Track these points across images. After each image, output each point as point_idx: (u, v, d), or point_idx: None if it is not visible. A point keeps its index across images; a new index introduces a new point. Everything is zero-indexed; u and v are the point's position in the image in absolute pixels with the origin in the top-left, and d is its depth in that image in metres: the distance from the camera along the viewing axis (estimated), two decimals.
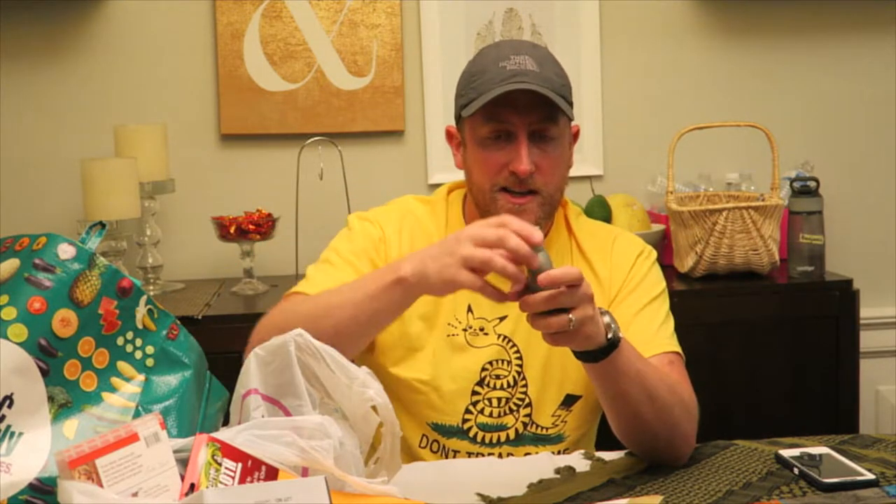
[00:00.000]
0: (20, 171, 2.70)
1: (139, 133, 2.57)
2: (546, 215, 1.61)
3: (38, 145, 2.71)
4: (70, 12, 2.69)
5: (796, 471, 1.42)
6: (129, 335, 1.27)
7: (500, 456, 1.64)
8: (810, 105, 2.91)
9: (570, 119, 1.62)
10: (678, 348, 1.62)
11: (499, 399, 1.65)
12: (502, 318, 1.64)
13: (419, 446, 1.66)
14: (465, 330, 1.65)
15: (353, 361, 1.26)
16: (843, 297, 2.51)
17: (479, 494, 1.38)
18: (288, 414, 1.20)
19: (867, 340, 2.68)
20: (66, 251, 1.24)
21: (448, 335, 1.64)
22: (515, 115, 1.56)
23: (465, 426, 1.64)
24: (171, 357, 1.30)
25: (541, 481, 1.43)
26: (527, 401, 1.65)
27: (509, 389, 1.65)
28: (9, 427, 1.15)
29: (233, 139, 2.76)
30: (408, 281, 1.36)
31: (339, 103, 2.76)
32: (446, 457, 1.65)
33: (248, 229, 2.54)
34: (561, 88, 1.58)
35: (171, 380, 1.29)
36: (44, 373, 1.18)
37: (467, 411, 1.64)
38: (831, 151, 2.91)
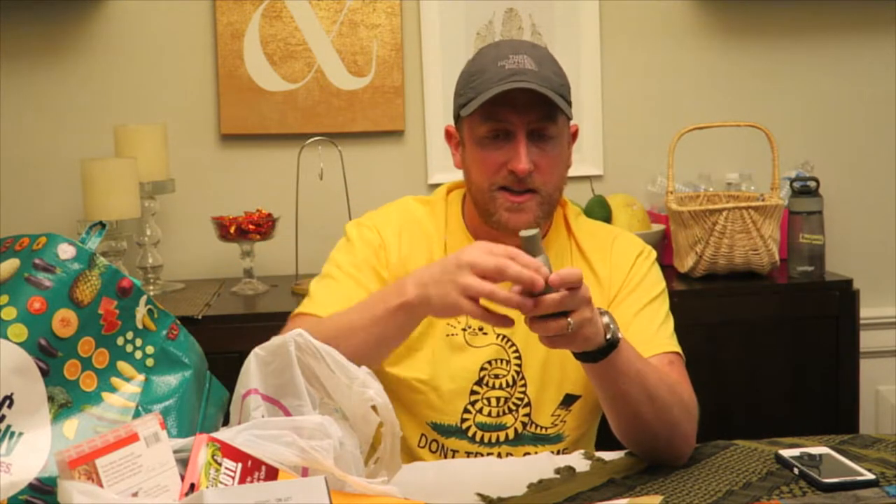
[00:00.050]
0: (20, 171, 2.70)
1: (139, 133, 2.57)
2: (545, 214, 1.61)
3: (38, 145, 2.71)
4: (70, 12, 2.69)
5: (796, 471, 1.42)
6: (129, 335, 1.27)
7: (499, 456, 1.64)
8: (810, 105, 2.91)
9: (569, 118, 1.62)
10: (678, 348, 1.62)
11: (498, 399, 1.65)
12: None
13: (418, 446, 1.66)
14: (464, 330, 1.65)
15: None
16: (843, 297, 2.51)
17: (479, 494, 1.38)
18: (288, 414, 1.20)
19: (867, 340, 2.67)
20: (66, 251, 1.24)
21: (447, 335, 1.64)
22: (514, 114, 1.56)
23: (464, 426, 1.65)
24: (171, 357, 1.30)
25: (541, 481, 1.43)
26: (526, 400, 1.65)
27: (508, 389, 1.65)
28: (9, 427, 1.15)
29: (233, 139, 2.76)
30: (412, 305, 1.38)
31: (339, 103, 2.76)
32: (445, 456, 1.65)
33: (248, 229, 2.54)
34: (560, 88, 1.58)
35: (171, 380, 1.29)
36: (44, 373, 1.18)
37: (466, 411, 1.64)
38: (831, 151, 2.91)
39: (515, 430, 1.65)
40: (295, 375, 1.21)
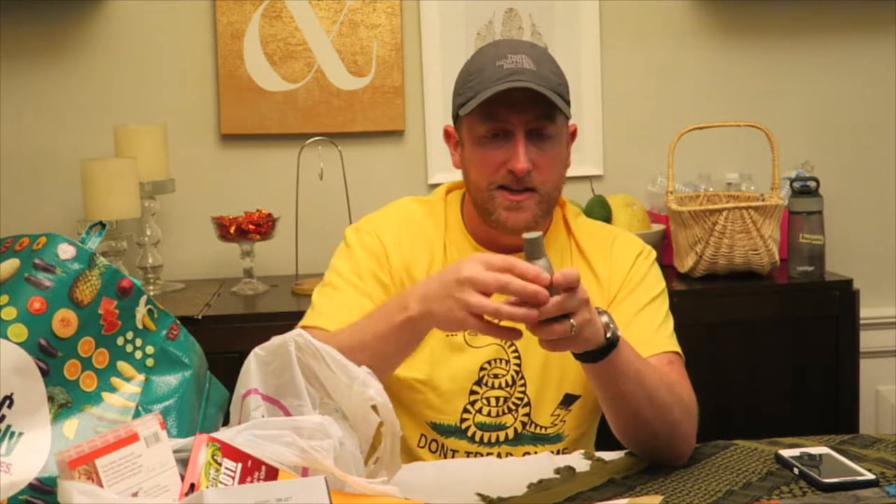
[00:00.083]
0: (20, 171, 2.70)
1: (139, 133, 2.57)
2: (544, 213, 1.61)
3: (38, 145, 2.71)
4: (70, 12, 2.69)
5: (796, 471, 1.42)
6: (129, 335, 1.27)
7: (499, 455, 1.64)
8: (810, 105, 2.91)
9: (568, 118, 1.62)
10: (678, 348, 1.62)
11: (497, 398, 1.65)
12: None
13: (418, 446, 1.66)
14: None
15: None
16: (843, 297, 2.51)
17: (479, 494, 1.38)
18: (288, 414, 1.20)
19: (867, 340, 2.67)
20: (66, 251, 1.24)
21: (446, 335, 1.64)
22: (512, 113, 1.56)
23: (464, 426, 1.64)
24: (171, 357, 1.30)
25: (541, 481, 1.43)
26: (525, 400, 1.65)
27: (508, 389, 1.65)
28: (9, 427, 1.15)
29: (233, 139, 2.76)
30: (415, 320, 1.38)
31: (339, 103, 2.76)
32: (445, 456, 1.65)
33: (248, 229, 2.54)
34: (558, 87, 1.58)
35: (171, 380, 1.29)
36: (44, 373, 1.18)
37: (465, 411, 1.64)
38: (831, 151, 2.91)
39: (515, 429, 1.65)
40: (295, 375, 1.21)
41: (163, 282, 2.63)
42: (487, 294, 1.31)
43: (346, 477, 1.13)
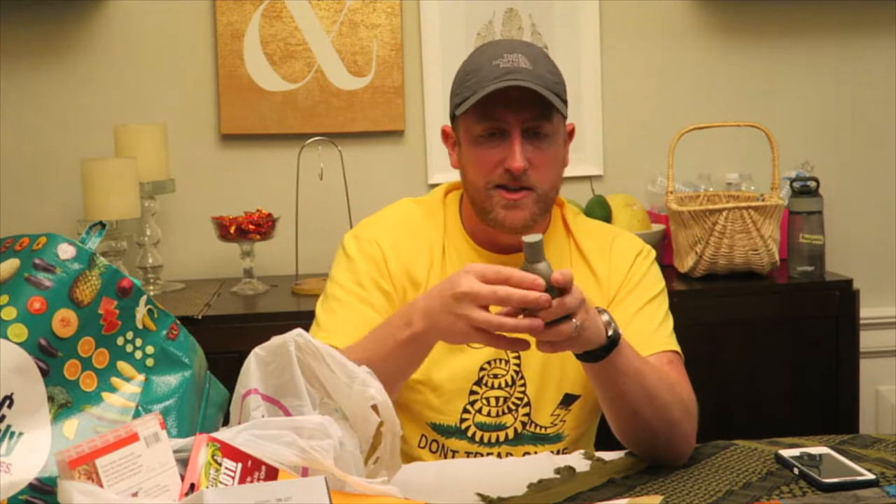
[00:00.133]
0: (20, 171, 2.70)
1: (139, 133, 2.57)
2: (541, 212, 1.61)
3: (38, 145, 2.71)
4: (70, 12, 2.69)
5: (796, 471, 1.42)
6: (129, 335, 1.27)
7: (499, 456, 1.64)
8: (810, 105, 2.91)
9: (564, 117, 1.62)
10: (677, 347, 1.63)
11: (497, 398, 1.65)
12: None
13: (419, 446, 1.66)
14: None
15: None
16: (843, 297, 2.51)
17: (479, 494, 1.38)
18: (288, 414, 1.20)
19: (867, 340, 2.67)
20: (66, 251, 1.24)
21: None
22: (509, 112, 1.56)
23: (463, 426, 1.64)
24: (171, 357, 1.30)
25: (541, 481, 1.43)
26: (525, 400, 1.65)
27: (507, 389, 1.65)
28: (9, 427, 1.15)
29: (233, 139, 2.76)
30: (420, 335, 1.39)
31: (339, 103, 2.76)
32: (445, 457, 1.65)
33: (248, 229, 2.54)
34: (554, 86, 1.58)
35: (171, 380, 1.29)
36: (44, 373, 1.18)
37: (465, 411, 1.64)
38: (831, 151, 2.91)
39: (515, 429, 1.65)
40: (295, 375, 1.21)
41: (163, 282, 2.63)
42: (487, 306, 1.31)
43: (346, 477, 1.13)
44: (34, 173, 2.71)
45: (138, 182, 2.47)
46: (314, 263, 2.68)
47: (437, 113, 2.75)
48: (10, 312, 1.18)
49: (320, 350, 1.22)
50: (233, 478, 1.08)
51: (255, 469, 1.10)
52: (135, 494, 1.06)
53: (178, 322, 1.33)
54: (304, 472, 1.13)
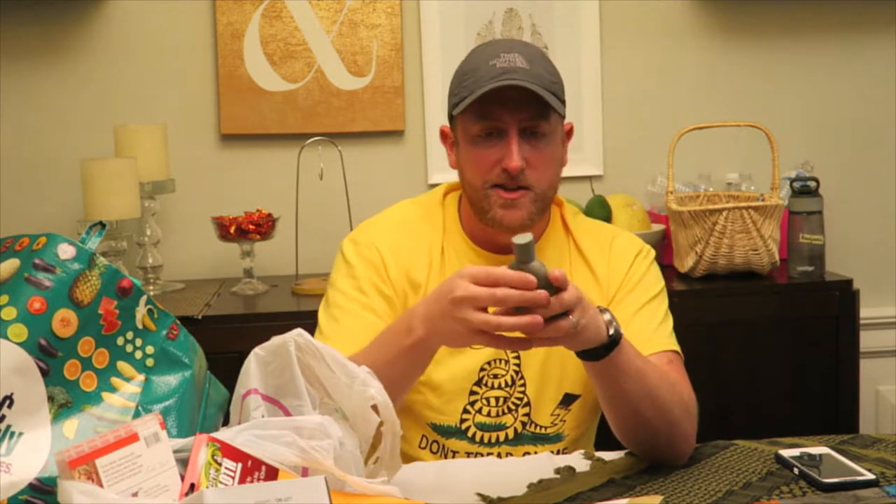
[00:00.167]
0: (20, 171, 2.70)
1: (139, 133, 2.57)
2: (538, 211, 1.61)
3: (38, 145, 2.71)
4: (70, 12, 2.69)
5: (796, 471, 1.42)
6: (129, 335, 1.27)
7: (499, 456, 1.64)
8: (810, 105, 2.91)
9: (562, 116, 1.62)
10: (677, 347, 1.63)
11: (497, 398, 1.65)
12: None
13: (419, 447, 1.66)
14: None
15: None
16: (843, 297, 2.51)
17: (479, 494, 1.38)
18: (288, 414, 1.20)
19: (867, 340, 2.68)
20: (66, 251, 1.24)
21: None
22: (506, 112, 1.56)
23: (464, 426, 1.64)
24: (171, 357, 1.30)
25: (541, 481, 1.43)
26: (525, 400, 1.65)
27: (507, 389, 1.65)
28: (9, 427, 1.15)
29: (233, 139, 2.76)
30: (424, 342, 1.39)
31: (339, 103, 2.76)
32: (446, 457, 1.65)
33: (248, 229, 2.54)
34: (551, 85, 1.58)
35: (171, 380, 1.29)
36: (44, 373, 1.18)
37: (465, 411, 1.64)
38: (831, 151, 2.91)
39: (515, 429, 1.65)
40: (295, 375, 1.21)
41: (163, 282, 2.63)
42: (485, 308, 1.31)
43: (346, 477, 1.13)
44: (34, 173, 2.71)
45: (138, 182, 2.47)
46: (314, 263, 2.68)
47: (437, 113, 2.75)
48: (10, 312, 1.18)
49: (320, 350, 1.22)
50: (233, 478, 1.08)
51: (255, 469, 1.10)
52: (135, 494, 1.06)
53: (178, 322, 1.33)
54: (304, 472, 1.13)
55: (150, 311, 1.30)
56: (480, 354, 1.64)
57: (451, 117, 1.65)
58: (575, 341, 1.35)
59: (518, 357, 1.65)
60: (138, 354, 1.28)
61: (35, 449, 1.15)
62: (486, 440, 1.65)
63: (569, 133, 1.69)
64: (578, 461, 1.51)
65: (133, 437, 1.08)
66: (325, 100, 2.75)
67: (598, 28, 2.82)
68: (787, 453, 1.47)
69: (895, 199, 2.93)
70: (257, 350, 1.24)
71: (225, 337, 2.25)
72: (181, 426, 1.27)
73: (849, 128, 2.92)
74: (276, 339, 1.23)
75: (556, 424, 1.66)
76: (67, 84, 2.71)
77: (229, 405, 1.29)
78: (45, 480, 1.14)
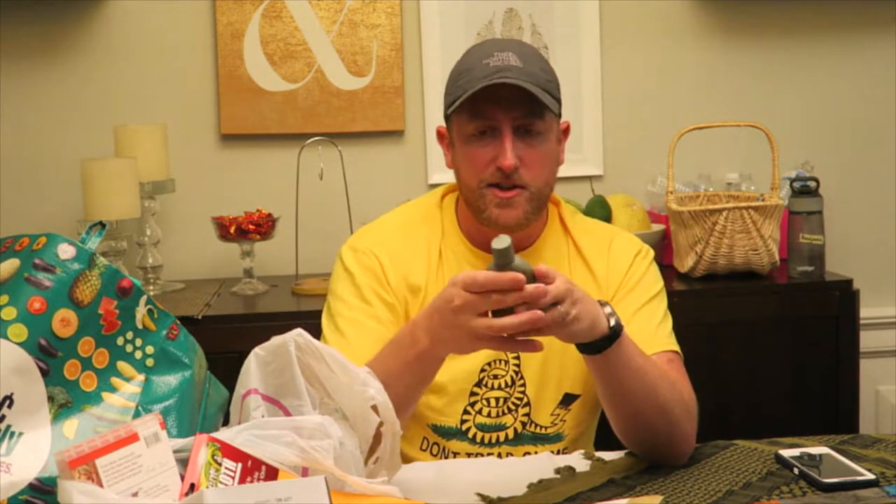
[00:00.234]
0: (20, 171, 2.70)
1: (139, 133, 2.57)
2: (534, 210, 1.61)
3: (38, 145, 2.71)
4: (70, 12, 2.69)
5: (796, 471, 1.42)
6: (129, 335, 1.27)
7: (499, 456, 1.64)
8: (810, 105, 2.91)
9: (557, 114, 1.62)
10: (677, 347, 1.63)
11: (497, 399, 1.65)
12: None
13: (420, 449, 1.66)
14: None
15: None
16: (843, 297, 2.51)
17: (479, 494, 1.38)
18: (288, 414, 1.20)
19: (867, 340, 2.67)
20: (66, 251, 1.24)
21: None
22: (499, 110, 1.56)
23: (464, 427, 1.64)
24: (171, 357, 1.30)
25: (541, 481, 1.43)
26: (525, 400, 1.65)
27: (507, 389, 1.65)
28: (9, 427, 1.15)
29: (233, 139, 2.76)
30: (430, 352, 1.40)
31: (339, 103, 2.76)
32: (446, 458, 1.65)
33: (248, 229, 2.54)
34: (546, 84, 1.58)
35: (171, 380, 1.29)
36: (44, 373, 1.18)
37: (465, 412, 1.64)
38: (831, 151, 2.91)
39: (515, 429, 1.65)
40: (295, 375, 1.21)
41: (163, 282, 2.63)
42: (486, 312, 1.32)
43: (346, 477, 1.13)
44: (34, 173, 2.71)
45: (138, 182, 2.47)
46: (314, 263, 2.68)
47: (437, 113, 2.72)
48: (10, 312, 1.18)
49: (320, 350, 1.22)
50: (233, 478, 1.08)
51: (255, 469, 1.10)
52: (135, 494, 1.06)
53: (178, 322, 1.33)
54: (304, 472, 1.13)
55: (150, 311, 1.30)
56: (480, 355, 1.63)
57: (446, 117, 1.65)
58: (568, 332, 1.35)
59: (518, 357, 1.65)
60: (138, 354, 1.28)
61: (35, 449, 1.15)
62: (486, 440, 1.65)
63: (565, 132, 1.68)
64: (578, 461, 1.51)
65: (133, 437, 1.08)
66: (325, 100, 2.75)
67: (598, 28, 2.82)
68: (787, 453, 1.47)
69: (895, 199, 2.93)
70: (257, 350, 1.24)
71: (225, 337, 2.25)
72: (181, 426, 1.27)
73: (849, 128, 2.92)
74: (276, 339, 1.23)
75: (556, 424, 1.66)
76: (67, 84, 2.71)
77: (229, 405, 1.29)
78: (45, 480, 1.14)
